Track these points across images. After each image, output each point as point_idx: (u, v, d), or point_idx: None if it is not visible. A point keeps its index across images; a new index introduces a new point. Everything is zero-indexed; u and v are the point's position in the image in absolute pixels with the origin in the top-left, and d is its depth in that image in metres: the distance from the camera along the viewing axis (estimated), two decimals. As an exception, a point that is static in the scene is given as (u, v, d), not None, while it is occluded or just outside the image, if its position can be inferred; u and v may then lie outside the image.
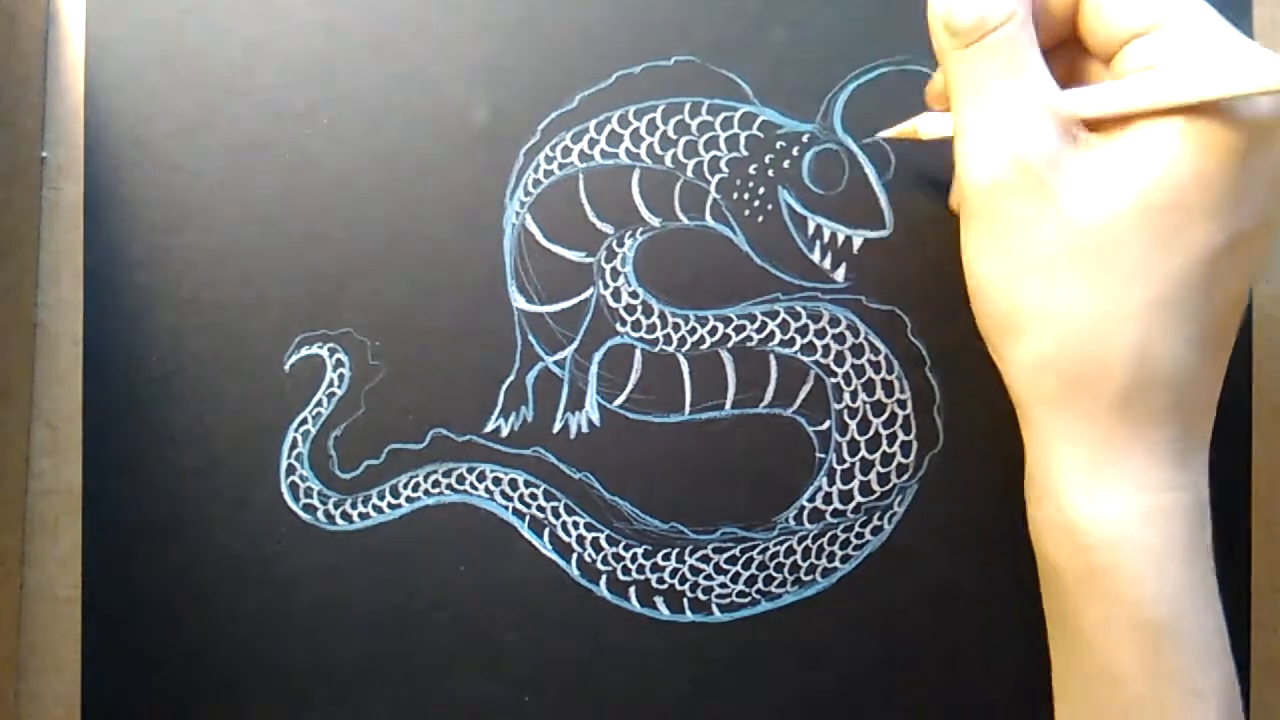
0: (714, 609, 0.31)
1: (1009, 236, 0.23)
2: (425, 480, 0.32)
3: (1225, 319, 0.23)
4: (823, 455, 0.31)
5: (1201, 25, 0.22)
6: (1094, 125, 0.23)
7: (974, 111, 0.24)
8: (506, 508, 0.32)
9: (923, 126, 0.27)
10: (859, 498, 0.31)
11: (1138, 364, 0.22)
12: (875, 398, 0.31)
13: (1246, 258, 0.23)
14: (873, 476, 0.31)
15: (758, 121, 0.31)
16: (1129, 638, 0.23)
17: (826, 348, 0.31)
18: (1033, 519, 0.25)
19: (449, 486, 0.32)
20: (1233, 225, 0.22)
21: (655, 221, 0.31)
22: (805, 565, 0.31)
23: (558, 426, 0.32)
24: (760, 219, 0.31)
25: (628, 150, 0.32)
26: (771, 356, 0.31)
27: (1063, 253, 0.23)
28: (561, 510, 0.31)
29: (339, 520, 0.32)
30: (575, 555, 0.31)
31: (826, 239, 0.31)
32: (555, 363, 0.32)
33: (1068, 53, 0.26)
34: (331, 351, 0.32)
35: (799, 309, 0.31)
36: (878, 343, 0.31)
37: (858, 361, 0.31)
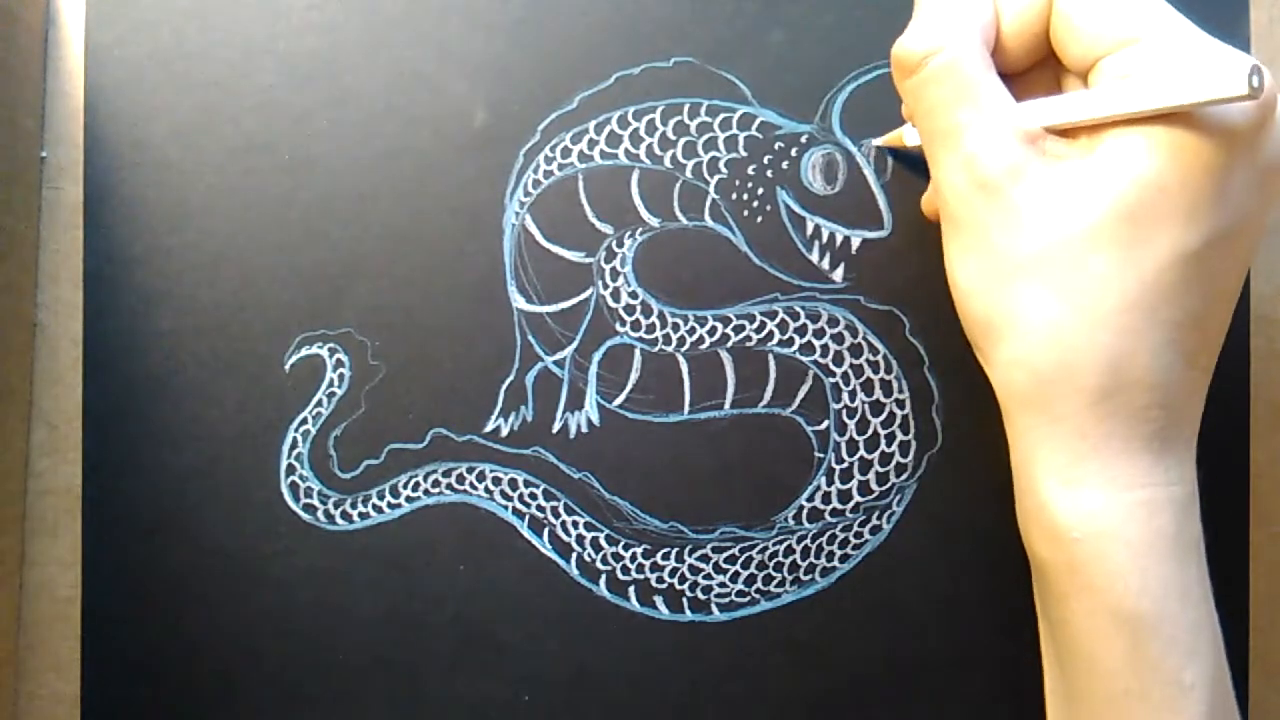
0: (713, 608, 0.31)
1: (982, 246, 0.24)
2: (425, 480, 0.32)
3: (1209, 318, 0.23)
4: (821, 455, 0.31)
5: (1178, 37, 0.22)
6: (1071, 137, 0.24)
7: (931, 134, 0.25)
8: (506, 507, 0.32)
9: (908, 136, 0.30)
10: (858, 497, 0.31)
11: (1111, 367, 0.23)
12: (874, 397, 0.31)
13: (1229, 257, 0.23)
14: (871, 476, 0.31)
15: (756, 122, 0.31)
16: (1112, 631, 0.23)
17: (825, 347, 0.31)
18: (1019, 514, 0.25)
19: (449, 486, 0.32)
20: (1207, 228, 0.22)
21: (654, 222, 0.32)
22: (804, 565, 0.31)
23: (557, 426, 0.32)
24: (759, 219, 0.31)
25: (627, 151, 0.32)
26: (770, 356, 0.31)
27: (1033, 261, 0.23)
28: (561, 510, 0.31)
29: (339, 520, 0.32)
30: (575, 555, 0.31)
31: (825, 239, 0.31)
32: (555, 363, 0.32)
33: (1051, 71, 0.26)
34: (331, 351, 0.32)
35: (798, 309, 0.31)
36: (876, 342, 0.31)
37: (856, 361, 0.31)
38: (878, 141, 0.31)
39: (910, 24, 0.25)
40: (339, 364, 0.32)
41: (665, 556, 0.31)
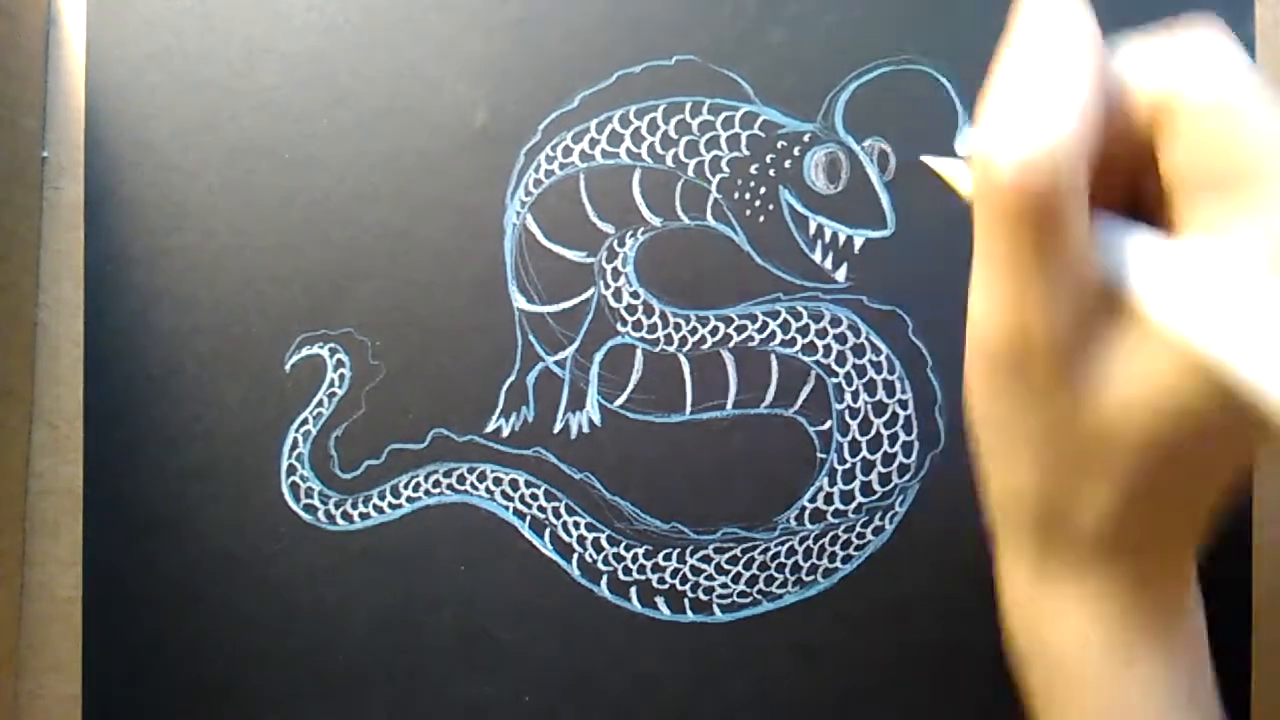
0: (715, 609, 0.31)
1: (994, 397, 0.22)
2: (426, 480, 0.32)
3: (1197, 501, 0.21)
4: (824, 455, 0.31)
5: None
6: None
7: (991, 259, 0.20)
8: (507, 508, 0.32)
9: (960, 180, 0.25)
10: (860, 498, 0.31)
11: (1062, 514, 0.22)
12: (876, 398, 0.31)
13: (1239, 458, 0.21)
14: (874, 477, 0.31)
15: (759, 121, 0.31)
16: None
17: (828, 348, 0.31)
18: (1001, 603, 0.25)
19: (449, 487, 0.32)
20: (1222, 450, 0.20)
21: (656, 221, 0.31)
22: (806, 565, 0.31)
23: (558, 426, 0.32)
24: (761, 219, 0.31)
25: (628, 150, 0.31)
26: (773, 356, 0.31)
27: (1039, 436, 0.21)
28: (562, 510, 0.31)
29: (339, 520, 0.32)
30: (576, 555, 0.31)
31: (828, 239, 0.31)
32: (556, 363, 0.32)
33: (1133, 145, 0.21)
34: (332, 351, 0.32)
35: (800, 309, 0.31)
36: (879, 343, 0.31)
37: (859, 361, 0.31)
38: (930, 160, 0.26)
39: (1002, 98, 0.19)
40: (339, 364, 0.32)
41: (667, 557, 0.31)
